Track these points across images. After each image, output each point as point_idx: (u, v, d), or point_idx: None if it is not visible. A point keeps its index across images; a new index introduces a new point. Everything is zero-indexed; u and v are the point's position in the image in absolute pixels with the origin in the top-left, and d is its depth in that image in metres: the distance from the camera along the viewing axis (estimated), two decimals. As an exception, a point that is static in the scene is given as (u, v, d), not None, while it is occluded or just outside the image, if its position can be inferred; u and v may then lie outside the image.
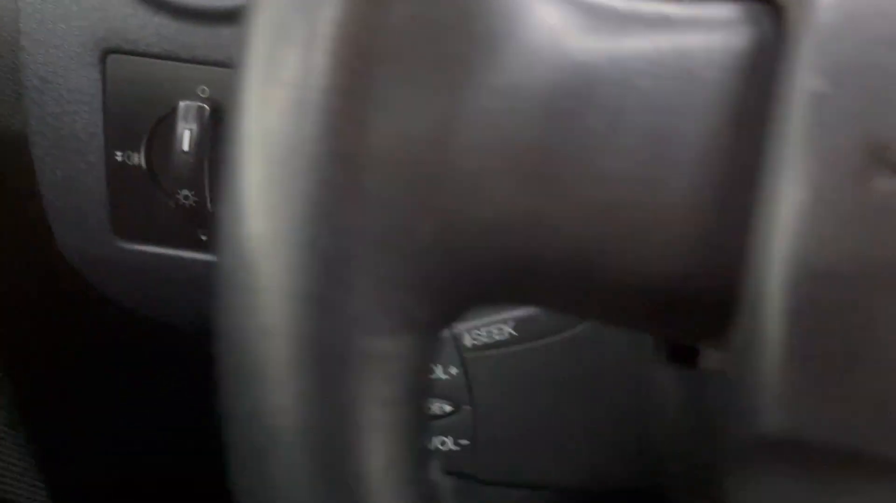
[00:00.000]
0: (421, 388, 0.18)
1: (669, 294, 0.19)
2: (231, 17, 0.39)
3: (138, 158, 0.41)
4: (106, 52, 0.41)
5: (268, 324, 0.16)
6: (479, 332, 0.33)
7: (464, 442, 0.34)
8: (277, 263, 0.16)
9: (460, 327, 0.33)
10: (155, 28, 0.40)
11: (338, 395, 0.17)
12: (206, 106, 0.39)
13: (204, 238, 0.42)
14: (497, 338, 0.33)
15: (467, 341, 0.33)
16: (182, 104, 0.39)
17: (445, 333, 0.33)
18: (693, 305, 0.19)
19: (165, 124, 0.40)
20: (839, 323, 0.17)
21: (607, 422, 0.33)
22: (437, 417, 0.33)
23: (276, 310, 0.16)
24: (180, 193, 0.40)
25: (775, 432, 0.18)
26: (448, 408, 0.33)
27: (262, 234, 0.16)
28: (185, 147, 0.39)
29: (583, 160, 0.18)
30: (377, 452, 0.17)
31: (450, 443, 0.34)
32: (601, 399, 0.33)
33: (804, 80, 0.17)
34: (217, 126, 0.39)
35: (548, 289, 0.19)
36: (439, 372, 0.33)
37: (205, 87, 0.40)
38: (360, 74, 0.17)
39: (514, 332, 0.33)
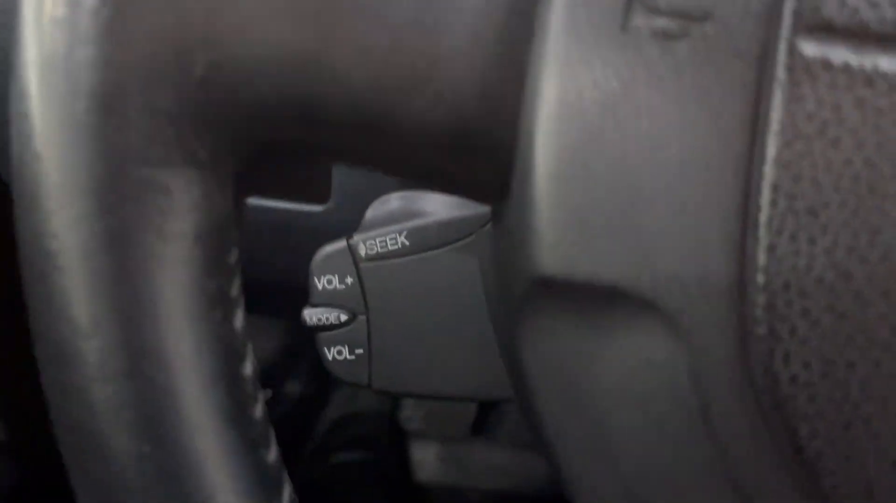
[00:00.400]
0: (213, 229, 0.19)
1: (452, 146, 0.19)
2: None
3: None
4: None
5: (40, 151, 0.17)
6: (372, 243, 0.33)
7: (359, 351, 0.34)
8: (47, 89, 0.17)
9: (356, 237, 0.34)
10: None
11: (112, 223, 0.17)
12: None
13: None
14: (391, 247, 0.33)
15: (362, 251, 0.33)
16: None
17: (341, 243, 0.34)
18: (476, 158, 0.19)
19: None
20: (598, 163, 0.17)
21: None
22: (333, 327, 0.34)
23: (47, 136, 0.17)
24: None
25: (546, 273, 0.18)
26: (344, 318, 0.34)
27: (34, 61, 0.17)
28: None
29: (361, 3, 0.18)
30: (159, 284, 0.18)
31: (346, 353, 0.34)
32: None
33: None
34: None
35: (333, 139, 0.19)
36: (336, 282, 0.34)
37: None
38: None
39: (406, 242, 0.33)
